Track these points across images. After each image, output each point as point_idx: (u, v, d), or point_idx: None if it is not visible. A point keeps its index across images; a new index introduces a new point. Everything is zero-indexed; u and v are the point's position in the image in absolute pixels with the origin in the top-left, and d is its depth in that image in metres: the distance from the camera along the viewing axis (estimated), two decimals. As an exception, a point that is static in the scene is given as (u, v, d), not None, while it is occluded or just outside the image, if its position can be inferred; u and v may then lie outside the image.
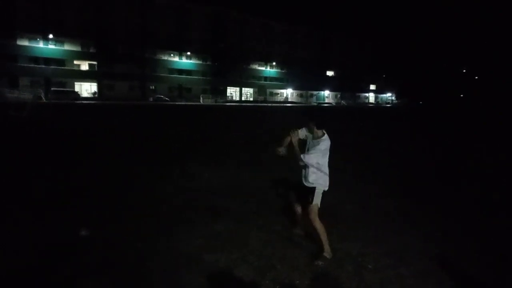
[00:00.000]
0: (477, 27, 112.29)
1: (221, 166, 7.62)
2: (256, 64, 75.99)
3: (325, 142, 3.49)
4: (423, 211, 5.00)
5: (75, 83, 54.35)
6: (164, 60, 63.51)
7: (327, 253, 3.48)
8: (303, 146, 3.65)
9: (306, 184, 3.62)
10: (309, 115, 3.60)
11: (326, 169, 3.59)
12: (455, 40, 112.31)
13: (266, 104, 60.22)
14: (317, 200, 3.54)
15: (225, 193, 5.57)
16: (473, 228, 4.45)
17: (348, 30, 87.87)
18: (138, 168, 7.20)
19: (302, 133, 3.67)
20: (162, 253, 3.48)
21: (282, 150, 3.59)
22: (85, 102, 43.15)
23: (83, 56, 55.62)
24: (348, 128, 17.74)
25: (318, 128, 3.55)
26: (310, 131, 3.60)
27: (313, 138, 3.59)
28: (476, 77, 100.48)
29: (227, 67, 67.85)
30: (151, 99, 55.08)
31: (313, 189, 3.56)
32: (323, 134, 3.56)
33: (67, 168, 7.00)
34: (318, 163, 3.50)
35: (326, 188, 3.63)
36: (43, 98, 41.60)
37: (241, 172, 7.07)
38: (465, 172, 8.12)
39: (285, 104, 65.12)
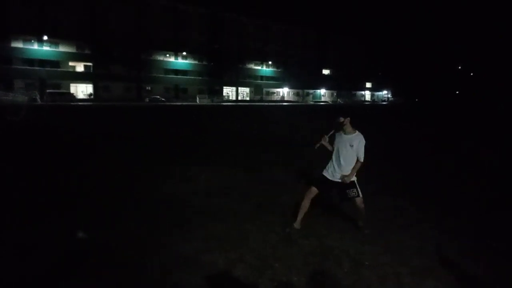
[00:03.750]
0: (472, 23, 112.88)
1: (218, 167, 7.61)
2: (252, 63, 75.84)
3: (361, 136, 3.92)
4: (420, 209, 5.02)
5: (71, 84, 54.04)
6: (159, 60, 63.23)
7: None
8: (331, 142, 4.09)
9: (341, 179, 3.94)
10: (343, 112, 3.92)
11: None
12: (450, 37, 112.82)
13: (262, 104, 60.14)
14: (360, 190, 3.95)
15: (222, 194, 5.56)
16: (471, 226, 4.46)
17: (343, 29, 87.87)
18: (135, 170, 7.18)
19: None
20: (160, 254, 3.48)
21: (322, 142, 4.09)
22: (81, 103, 42.91)
23: (78, 58, 55.25)
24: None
25: (351, 123, 3.91)
26: (340, 128, 3.93)
27: (346, 133, 3.92)
28: (472, 74, 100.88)
29: (223, 67, 67.67)
30: (147, 99, 54.85)
31: (353, 183, 3.97)
32: (355, 131, 3.92)
33: (64, 170, 6.97)
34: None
35: None
36: (38, 100, 41.35)
37: (237, 173, 7.06)
38: (462, 169, 8.15)
39: (281, 103, 65.09)
